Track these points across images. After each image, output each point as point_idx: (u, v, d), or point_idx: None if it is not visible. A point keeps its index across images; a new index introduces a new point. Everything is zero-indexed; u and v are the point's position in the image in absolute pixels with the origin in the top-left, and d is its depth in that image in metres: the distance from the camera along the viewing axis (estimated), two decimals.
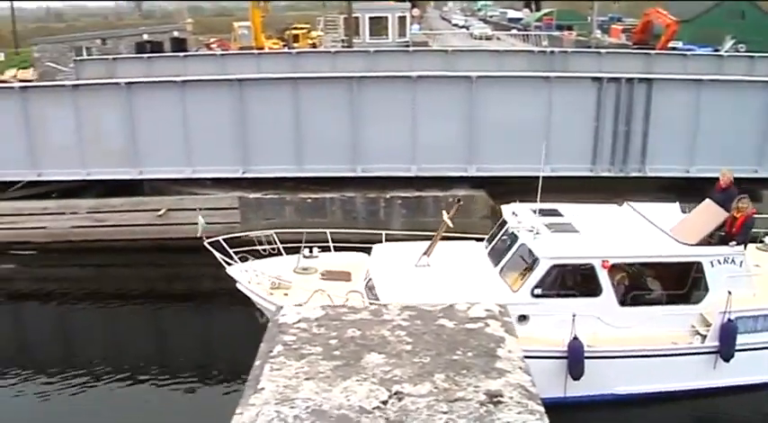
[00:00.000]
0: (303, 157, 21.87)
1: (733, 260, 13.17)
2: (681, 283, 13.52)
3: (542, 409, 2.94)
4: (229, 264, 14.47)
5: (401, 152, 21.58)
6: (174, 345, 17.27)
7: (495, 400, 2.94)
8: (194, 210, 21.41)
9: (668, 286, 13.62)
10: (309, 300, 12.74)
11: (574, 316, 12.01)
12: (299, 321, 3.59)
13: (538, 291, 12.75)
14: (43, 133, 22.29)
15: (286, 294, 13.65)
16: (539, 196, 14.69)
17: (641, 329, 12.80)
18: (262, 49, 48.58)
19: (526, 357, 3.30)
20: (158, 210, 21.64)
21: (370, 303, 12.43)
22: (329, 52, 40.32)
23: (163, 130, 22.08)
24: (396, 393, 2.98)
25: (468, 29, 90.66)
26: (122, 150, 22.23)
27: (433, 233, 14.36)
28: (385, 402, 2.92)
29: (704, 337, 12.98)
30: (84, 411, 14.07)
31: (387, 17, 50.82)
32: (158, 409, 14.18)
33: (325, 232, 15.69)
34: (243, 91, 21.87)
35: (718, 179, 15.02)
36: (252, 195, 21.84)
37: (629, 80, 21.54)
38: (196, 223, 15.47)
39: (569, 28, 77.72)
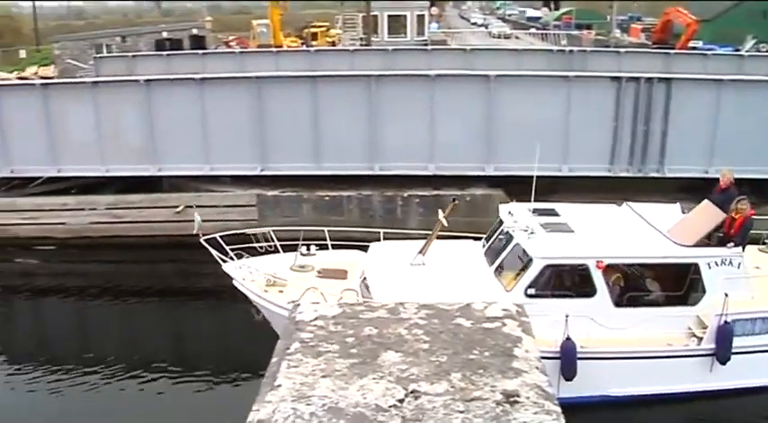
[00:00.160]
0: (321, 155, 21.89)
1: (731, 262, 13.00)
2: (678, 284, 13.39)
3: (559, 409, 2.94)
4: (225, 261, 14.50)
5: (419, 151, 21.56)
6: (191, 341, 17.33)
7: (512, 399, 2.94)
8: (213, 207, 21.58)
9: (666, 288, 13.49)
10: (301, 297, 12.78)
11: (567, 316, 11.92)
12: (316, 319, 3.60)
13: (531, 291, 12.63)
14: (63, 130, 22.44)
15: (281, 292, 13.65)
16: (533, 196, 14.69)
17: (637, 331, 12.63)
18: (280, 47, 48.65)
19: None
20: (176, 206, 21.74)
21: (364, 301, 12.49)
22: (347, 50, 40.29)
23: (181, 127, 22.17)
24: (412, 392, 2.97)
25: (486, 27, 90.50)
26: (141, 147, 22.35)
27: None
28: (401, 401, 2.92)
29: (700, 339, 12.84)
30: (99, 406, 14.13)
31: (405, 15, 50.74)
32: (174, 406, 14.22)
33: (323, 230, 15.68)
34: (261, 89, 21.92)
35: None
36: (270, 193, 21.89)
37: (649, 80, 21.39)
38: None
39: (588, 27, 77.40)
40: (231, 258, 14.49)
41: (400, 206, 21.24)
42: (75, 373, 15.06)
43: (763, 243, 15.75)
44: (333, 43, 57.87)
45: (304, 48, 49.12)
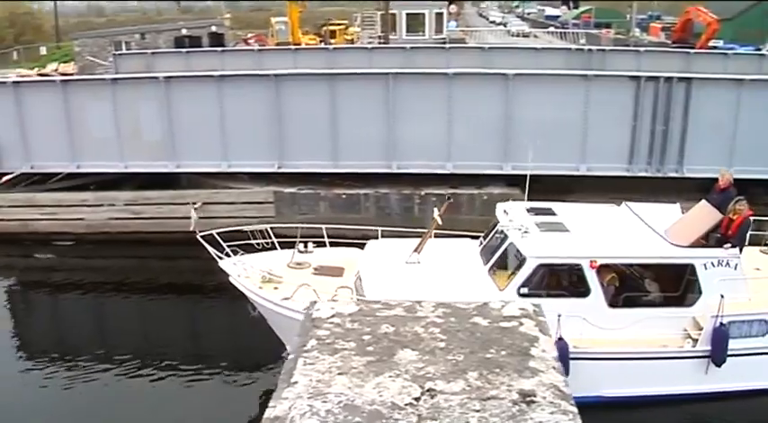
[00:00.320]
0: (338, 152, 21.92)
1: (727, 263, 12.86)
2: (675, 285, 13.27)
3: (575, 409, 2.93)
4: (221, 258, 14.55)
5: (437, 149, 21.55)
6: (207, 337, 17.39)
7: (528, 399, 2.93)
8: (231, 203, 21.66)
9: (662, 288, 13.38)
10: (293, 294, 12.89)
11: (559, 316, 11.85)
12: (332, 316, 3.60)
13: (524, 290, 12.53)
14: (83, 126, 22.60)
15: (276, 288, 13.68)
16: (526, 195, 14.68)
17: (632, 332, 12.53)
18: (298, 44, 48.72)
19: None
20: (194, 203, 21.82)
21: (358, 299, 12.51)
22: (366, 48, 40.26)
23: (200, 124, 22.27)
24: (428, 390, 2.97)
25: (505, 26, 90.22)
26: (160, 144, 22.46)
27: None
28: (417, 399, 2.92)
29: (696, 340, 12.72)
30: (112, 399, 14.22)
31: (424, 14, 50.73)
32: (186, 400, 14.33)
33: (321, 228, 15.71)
34: (279, 86, 21.97)
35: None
36: (287, 190, 21.95)
37: (668, 79, 21.27)
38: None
39: (607, 26, 77.04)
40: (227, 255, 14.54)
41: (417, 204, 21.24)
42: (91, 368, 15.17)
43: (765, 244, 15.57)
44: (351, 41, 57.86)
45: (322, 45, 49.13)
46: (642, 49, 39.40)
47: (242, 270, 14.12)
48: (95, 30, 60.50)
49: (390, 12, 50.09)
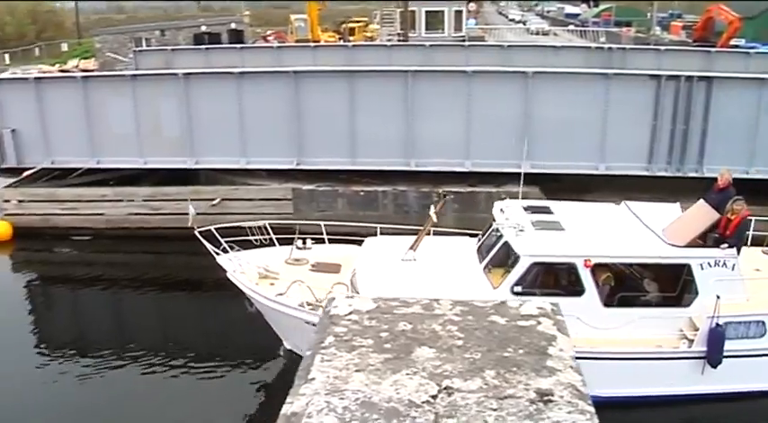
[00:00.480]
0: (357, 149, 21.94)
1: (724, 263, 12.71)
2: (673, 285, 13.16)
3: (593, 409, 2.92)
4: (218, 253, 14.59)
5: (455, 147, 21.52)
6: (224, 332, 17.45)
7: (546, 398, 2.93)
8: (249, 200, 21.72)
9: (660, 288, 13.28)
10: (287, 290, 12.99)
11: None
12: (350, 313, 3.61)
13: (518, 289, 12.48)
14: (103, 122, 22.74)
15: (272, 284, 13.76)
16: (520, 193, 14.67)
17: (627, 331, 12.42)
18: (318, 41, 48.78)
19: None
20: (213, 199, 21.92)
21: (352, 296, 12.51)
22: (385, 46, 40.29)
23: (219, 120, 22.36)
24: (445, 388, 2.97)
25: (524, 24, 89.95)
26: (179, 140, 22.57)
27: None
28: (434, 397, 2.92)
29: (691, 341, 12.59)
30: (128, 393, 14.31)
31: (443, 11, 50.70)
32: (201, 394, 14.39)
33: (320, 224, 15.77)
34: (298, 83, 22.01)
35: (728, 179, 14.51)
36: (305, 187, 22.00)
37: (689, 78, 21.12)
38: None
39: (628, 24, 76.59)
40: (224, 250, 14.60)
41: (435, 202, 21.18)
42: (105, 363, 15.29)
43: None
44: (372, 38, 57.86)
45: (341, 43, 49.18)
46: (663, 47, 39.12)
47: (237, 266, 14.21)
48: (116, 26, 60.82)
49: (410, 9, 50.07)
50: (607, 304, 12.74)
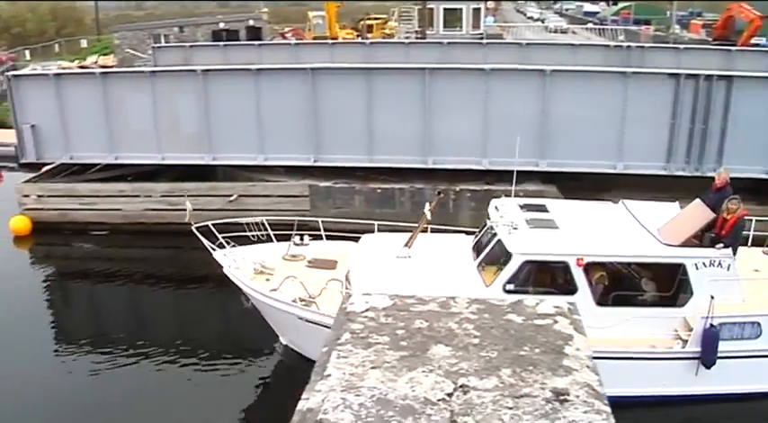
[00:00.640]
0: (374, 147, 21.95)
1: (720, 263, 12.64)
2: (668, 285, 13.09)
3: (609, 409, 2.91)
4: (215, 249, 14.68)
5: (473, 145, 21.48)
6: (240, 328, 17.54)
7: (562, 398, 2.92)
8: (266, 196, 21.78)
9: (655, 288, 13.22)
10: (280, 285, 13.14)
11: None
12: (367, 310, 3.61)
13: (510, 286, 12.50)
14: (121, 118, 22.88)
15: (267, 280, 13.91)
16: (513, 192, 14.73)
17: (621, 331, 12.34)
18: (335, 38, 48.78)
19: None
20: (230, 195, 22.00)
21: (347, 292, 12.58)
22: (403, 43, 40.20)
23: (237, 117, 22.44)
24: (461, 386, 2.97)
25: (543, 22, 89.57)
26: (197, 136, 22.67)
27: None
28: (450, 395, 2.92)
29: (685, 341, 12.54)
30: (144, 387, 14.49)
31: (461, 9, 50.60)
32: (217, 388, 14.48)
33: (318, 221, 15.89)
34: (316, 80, 22.05)
35: (725, 179, 14.39)
36: (322, 184, 22.04)
37: (708, 77, 20.99)
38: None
39: (647, 22, 76.08)
40: (221, 246, 14.71)
41: (452, 200, 21.19)
42: (122, 357, 15.48)
43: None
44: (391, 36, 57.82)
45: (359, 40, 49.15)
46: (682, 46, 38.82)
47: (232, 261, 14.31)
48: (135, 23, 61.08)
49: (428, 6, 50.01)
50: (600, 303, 12.69)
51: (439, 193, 15.88)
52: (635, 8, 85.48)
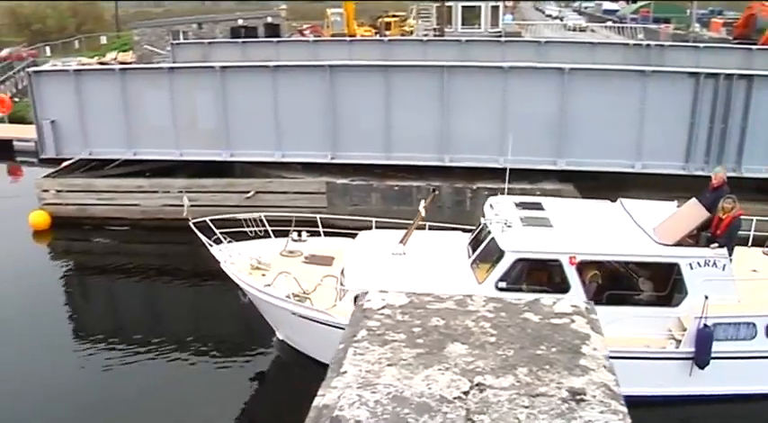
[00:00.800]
0: (391, 144, 21.94)
1: (714, 263, 12.53)
2: (662, 284, 13.00)
3: (625, 409, 2.90)
4: (212, 245, 14.77)
5: (490, 143, 21.39)
6: (256, 324, 17.59)
7: (578, 397, 2.91)
8: (283, 193, 21.83)
9: (649, 287, 13.13)
10: (274, 280, 13.20)
11: None
12: (383, 307, 3.61)
13: (502, 284, 12.49)
14: (140, 114, 22.99)
15: (264, 275, 13.94)
16: (506, 189, 14.76)
17: (615, 330, 12.28)
18: (354, 36, 48.81)
19: None
20: (247, 192, 22.07)
21: (342, 290, 12.74)
22: (421, 41, 40.13)
23: (254, 113, 22.49)
24: (477, 385, 2.97)
25: (561, 20, 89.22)
26: (215, 132, 22.74)
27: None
28: (466, 393, 2.92)
29: (679, 342, 12.45)
30: (159, 382, 14.56)
31: (479, 6, 50.51)
32: (221, 385, 14.57)
33: (316, 217, 15.92)
34: (334, 77, 22.06)
35: (722, 178, 14.27)
36: (339, 181, 22.06)
37: (728, 76, 20.82)
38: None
39: (666, 21, 75.61)
40: (219, 241, 14.83)
41: (469, 198, 21.16)
42: (137, 353, 15.56)
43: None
44: (410, 33, 57.80)
45: (377, 37, 49.14)
46: (702, 45, 38.55)
47: (228, 257, 14.41)
48: (154, 20, 61.36)
49: (446, 4, 49.93)
50: (594, 302, 12.56)
51: (434, 190, 15.93)
52: (654, 6, 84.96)
